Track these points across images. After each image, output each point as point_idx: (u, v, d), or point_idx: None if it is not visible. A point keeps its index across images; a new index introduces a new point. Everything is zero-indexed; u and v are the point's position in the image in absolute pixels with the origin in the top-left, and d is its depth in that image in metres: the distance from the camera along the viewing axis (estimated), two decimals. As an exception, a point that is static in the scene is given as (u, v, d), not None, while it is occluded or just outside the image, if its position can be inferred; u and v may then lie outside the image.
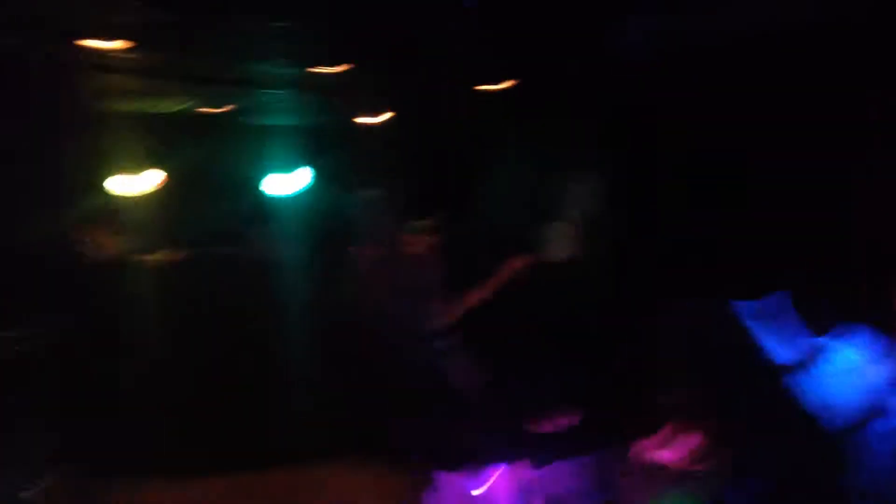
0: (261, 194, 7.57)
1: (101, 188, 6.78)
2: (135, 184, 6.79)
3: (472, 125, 7.73)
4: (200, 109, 6.90)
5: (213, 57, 5.49)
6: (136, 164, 6.78)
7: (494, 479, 2.70)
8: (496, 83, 6.52)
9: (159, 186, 7.15)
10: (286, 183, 7.52)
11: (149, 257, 6.51)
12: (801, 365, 5.16)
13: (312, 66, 5.67)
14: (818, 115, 5.93)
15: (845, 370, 4.84)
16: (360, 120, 7.26)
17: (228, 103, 6.80)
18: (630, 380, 6.68)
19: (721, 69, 6.23)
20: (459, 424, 5.76)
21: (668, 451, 6.19)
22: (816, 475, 4.57)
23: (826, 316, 5.25)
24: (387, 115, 7.25)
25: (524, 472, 2.78)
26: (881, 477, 3.96)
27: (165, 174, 7.19)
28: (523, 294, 6.77)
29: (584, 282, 7.19)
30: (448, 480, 2.70)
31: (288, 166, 7.49)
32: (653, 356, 6.89)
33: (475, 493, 2.06)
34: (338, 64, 5.67)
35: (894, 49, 5.32)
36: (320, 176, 7.63)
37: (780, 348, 5.40)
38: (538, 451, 4.91)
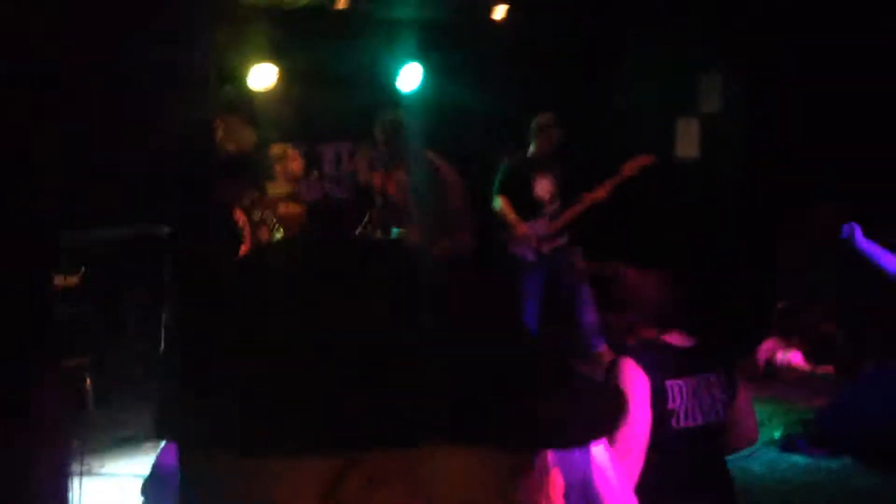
0: (388, 88, 7.63)
1: (236, 79, 6.96)
2: (266, 76, 6.91)
3: (604, 16, 7.57)
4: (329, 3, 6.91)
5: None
6: (268, 57, 6.89)
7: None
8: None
9: (288, 79, 7.30)
10: (411, 77, 7.53)
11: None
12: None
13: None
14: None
15: None
16: (483, 13, 7.16)
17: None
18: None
19: None
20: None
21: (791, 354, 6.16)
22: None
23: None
24: (509, 7, 7.11)
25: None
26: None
27: (291, 66, 7.34)
28: (647, 192, 6.67)
29: (711, 181, 7.05)
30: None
31: (411, 60, 7.50)
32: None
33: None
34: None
35: None
36: (443, 70, 7.64)
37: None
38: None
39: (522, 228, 6.65)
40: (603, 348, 6.87)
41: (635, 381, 2.70)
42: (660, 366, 2.75)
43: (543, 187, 6.76)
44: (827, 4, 6.19)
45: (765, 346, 6.24)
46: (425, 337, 0.56)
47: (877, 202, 6.15)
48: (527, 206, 6.73)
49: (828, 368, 6.05)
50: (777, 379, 6.10)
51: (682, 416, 2.72)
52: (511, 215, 6.70)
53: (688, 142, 7.31)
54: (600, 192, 6.59)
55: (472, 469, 0.56)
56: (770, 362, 6.19)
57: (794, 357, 6.15)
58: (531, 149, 6.81)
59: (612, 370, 2.79)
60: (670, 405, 2.71)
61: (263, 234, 6.04)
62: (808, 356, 6.15)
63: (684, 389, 2.74)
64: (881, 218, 6.16)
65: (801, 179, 6.46)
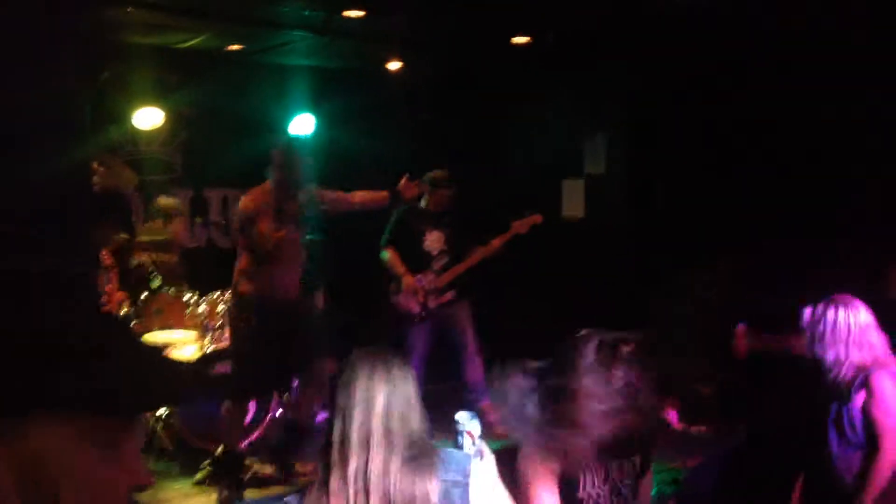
0: (280, 134, 7.57)
1: (120, 120, 6.81)
2: (152, 117, 6.78)
3: (495, 78, 7.71)
4: (221, 46, 6.84)
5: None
6: (154, 98, 6.77)
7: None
8: (526, 36, 6.45)
9: (174, 121, 7.19)
10: (301, 124, 7.50)
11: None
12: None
13: (332, 10, 5.63)
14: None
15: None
16: (377, 66, 7.19)
17: (247, 41, 6.75)
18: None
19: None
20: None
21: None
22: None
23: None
24: (402, 64, 7.17)
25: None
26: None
27: (180, 109, 7.23)
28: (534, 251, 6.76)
29: (595, 242, 7.20)
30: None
31: (305, 108, 7.48)
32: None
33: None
34: (356, 9, 5.61)
35: None
36: (337, 119, 7.64)
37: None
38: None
39: (409, 280, 6.64)
40: (487, 403, 6.88)
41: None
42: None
43: (433, 241, 6.78)
44: (704, 72, 6.44)
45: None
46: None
47: (758, 262, 6.39)
48: (415, 258, 6.73)
49: (702, 428, 6.17)
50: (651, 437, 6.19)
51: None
52: (399, 267, 6.70)
53: (573, 202, 7.46)
54: (489, 248, 6.64)
55: (74, 436, 0.79)
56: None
57: (669, 416, 6.26)
58: (422, 202, 6.84)
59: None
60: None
61: (138, 280, 5.88)
62: (682, 415, 6.26)
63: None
64: (762, 278, 6.41)
65: (681, 240, 6.65)
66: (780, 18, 5.71)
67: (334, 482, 2.19)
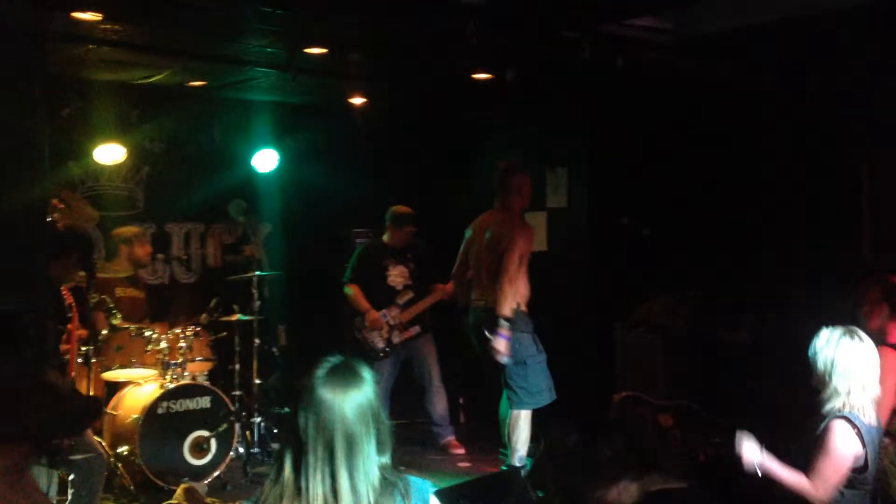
0: (243, 169, 7.57)
1: (80, 156, 6.78)
2: (114, 153, 6.75)
3: (457, 114, 7.78)
4: (184, 82, 6.84)
5: (194, 31, 5.47)
6: (116, 134, 6.75)
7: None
8: (487, 73, 6.54)
9: (136, 156, 7.17)
10: (264, 159, 7.50)
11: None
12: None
13: (296, 47, 5.66)
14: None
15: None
16: (340, 102, 7.23)
17: (210, 77, 6.76)
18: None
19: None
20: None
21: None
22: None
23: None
24: (365, 100, 7.21)
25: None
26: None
27: (143, 144, 7.22)
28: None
29: (558, 275, 7.25)
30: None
31: (268, 143, 7.49)
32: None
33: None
34: (318, 46, 5.66)
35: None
36: (300, 155, 7.65)
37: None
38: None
39: (373, 316, 6.64)
40: (452, 438, 6.88)
41: None
42: None
43: (396, 276, 6.80)
44: (663, 104, 6.55)
45: (605, 437, 6.37)
46: None
47: (716, 294, 6.47)
48: (379, 294, 6.74)
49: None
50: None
51: None
52: (362, 303, 6.70)
53: (536, 236, 7.50)
54: (453, 285, 6.66)
55: None
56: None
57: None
58: (385, 237, 6.86)
59: None
60: None
61: (99, 318, 5.82)
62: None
63: None
64: (719, 310, 6.49)
65: (640, 272, 6.72)
66: (738, 53, 5.84)
67: (292, 482, 2.16)
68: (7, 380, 3.14)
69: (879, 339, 4.12)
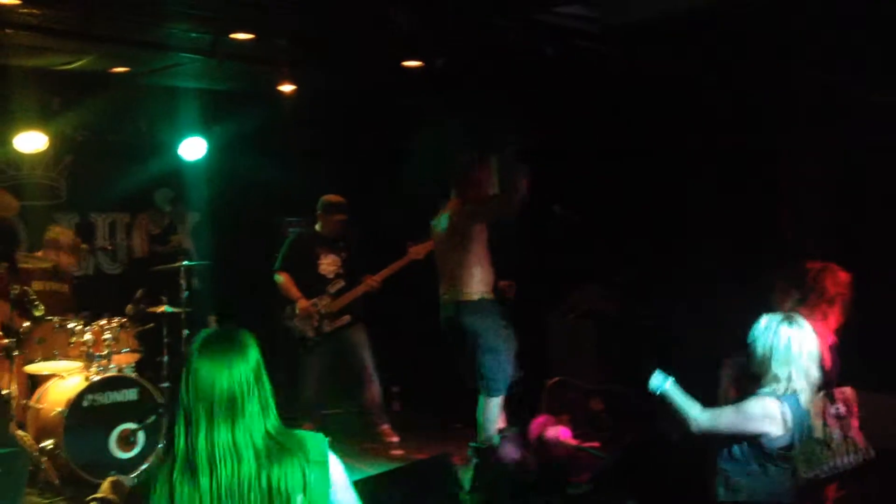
0: (170, 157, 7.45)
1: (1, 144, 6.60)
2: (35, 141, 6.58)
3: (388, 102, 7.74)
4: (107, 68, 6.70)
5: (119, 16, 5.35)
6: (37, 121, 6.58)
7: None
8: (417, 60, 6.52)
9: (59, 145, 7.00)
10: (191, 147, 7.39)
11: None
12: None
13: (220, 33, 5.58)
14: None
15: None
16: (268, 89, 7.13)
17: (134, 63, 6.63)
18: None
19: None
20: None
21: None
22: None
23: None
24: (293, 87, 7.12)
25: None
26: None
27: (65, 132, 7.04)
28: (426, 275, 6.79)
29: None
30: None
31: (195, 131, 7.38)
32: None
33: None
34: (245, 31, 5.58)
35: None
36: (228, 142, 7.56)
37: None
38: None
39: (304, 304, 6.59)
40: (386, 426, 6.87)
41: None
42: None
43: (327, 265, 6.75)
44: (596, 90, 6.62)
45: (535, 421, 6.43)
46: None
47: (646, 280, 6.57)
48: (310, 282, 6.69)
49: (594, 444, 6.30)
50: (547, 454, 6.29)
51: None
52: (293, 291, 6.65)
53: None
54: (384, 273, 6.66)
55: None
56: (540, 437, 6.38)
57: (562, 433, 6.37)
58: (317, 226, 6.81)
59: None
60: None
61: (20, 308, 5.68)
62: (576, 432, 6.39)
63: None
64: (647, 296, 6.60)
65: (570, 260, 6.80)
66: (664, 42, 5.92)
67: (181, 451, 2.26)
68: None
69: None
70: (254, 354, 2.33)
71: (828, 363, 4.05)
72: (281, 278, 6.69)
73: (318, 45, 6.30)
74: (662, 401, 3.75)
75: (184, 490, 2.23)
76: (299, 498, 2.25)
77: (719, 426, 3.63)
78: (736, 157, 6.19)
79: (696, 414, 3.65)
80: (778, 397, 3.58)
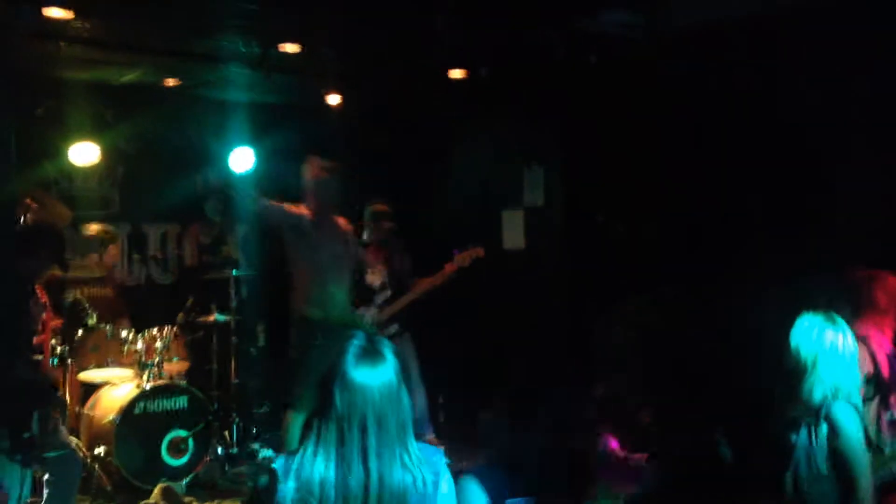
0: (218, 169, 7.53)
1: (56, 155, 6.73)
2: (88, 153, 6.70)
3: (433, 112, 7.77)
4: (158, 81, 6.82)
5: (170, 28, 5.46)
6: (90, 133, 6.70)
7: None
8: (462, 70, 6.54)
9: (111, 156, 7.11)
10: (240, 159, 7.47)
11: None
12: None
13: (270, 45, 5.66)
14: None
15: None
16: (315, 101, 7.20)
17: (184, 76, 6.74)
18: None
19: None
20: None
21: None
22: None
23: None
24: (340, 98, 7.18)
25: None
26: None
27: (117, 144, 7.16)
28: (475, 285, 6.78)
29: (535, 272, 7.26)
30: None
31: (244, 142, 7.46)
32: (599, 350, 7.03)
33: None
34: (292, 43, 5.65)
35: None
36: (273, 154, 7.63)
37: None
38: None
39: None
40: (432, 437, 6.87)
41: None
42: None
43: (374, 275, 6.78)
44: (640, 101, 6.57)
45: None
46: None
47: (693, 291, 6.49)
48: (357, 292, 6.72)
49: (642, 456, 6.23)
50: (596, 464, 6.25)
51: None
52: None
53: (513, 234, 7.53)
54: (431, 282, 6.66)
55: None
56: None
57: (610, 444, 6.31)
58: (364, 235, 6.84)
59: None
60: None
61: (73, 316, 5.78)
62: (623, 444, 6.32)
63: None
64: (695, 306, 6.52)
65: (618, 270, 6.74)
66: (718, 47, 5.87)
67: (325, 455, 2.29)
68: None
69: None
70: (395, 367, 2.38)
71: (885, 370, 3.98)
72: None
73: (363, 56, 6.35)
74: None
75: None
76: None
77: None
78: (788, 165, 6.10)
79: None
80: (846, 401, 3.49)
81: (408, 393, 2.38)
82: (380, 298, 6.73)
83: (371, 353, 2.36)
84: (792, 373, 3.59)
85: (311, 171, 5.86)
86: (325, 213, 5.82)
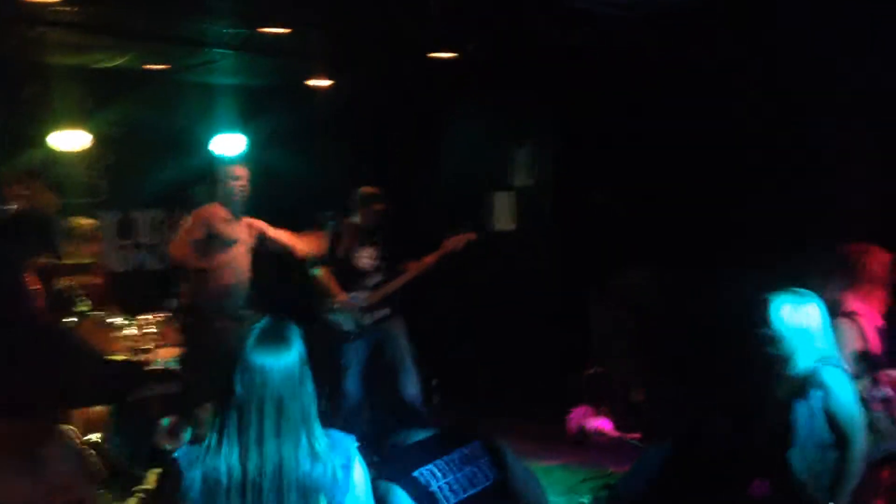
0: (207, 154, 7.50)
1: (39, 142, 6.67)
2: (74, 139, 6.65)
3: (421, 93, 7.74)
4: (142, 66, 6.76)
5: (154, 12, 5.41)
6: (76, 119, 6.65)
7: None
8: (450, 51, 6.50)
9: (97, 142, 7.05)
10: (230, 143, 7.44)
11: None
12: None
13: (253, 27, 5.61)
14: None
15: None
16: (303, 83, 7.15)
17: (169, 60, 6.69)
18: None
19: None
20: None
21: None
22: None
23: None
24: (327, 80, 7.13)
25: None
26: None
27: (104, 130, 7.10)
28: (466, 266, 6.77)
29: (527, 252, 7.26)
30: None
31: (231, 127, 7.42)
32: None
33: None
34: (277, 26, 5.60)
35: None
36: (263, 138, 7.59)
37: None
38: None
39: (343, 297, 6.62)
40: (424, 418, 6.87)
41: None
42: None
43: (365, 257, 6.76)
44: (628, 79, 6.56)
45: (575, 412, 6.41)
46: None
47: (684, 269, 6.50)
48: (348, 275, 6.72)
49: (636, 435, 6.26)
50: (587, 444, 6.27)
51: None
52: (332, 285, 6.67)
53: (504, 215, 7.52)
54: (423, 264, 6.65)
55: None
56: (581, 428, 6.35)
57: (603, 424, 6.34)
58: (356, 218, 6.81)
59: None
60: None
61: (64, 303, 5.74)
62: (616, 423, 6.35)
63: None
64: (688, 285, 6.53)
65: (609, 248, 6.74)
66: (709, 24, 5.85)
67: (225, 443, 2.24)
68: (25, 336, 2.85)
69: (836, 310, 4.18)
70: (299, 352, 2.33)
71: (875, 346, 3.99)
72: (319, 272, 6.72)
73: (350, 37, 6.31)
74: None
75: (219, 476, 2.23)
76: (322, 498, 2.27)
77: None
78: (779, 142, 6.10)
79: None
80: (832, 364, 3.56)
81: (312, 379, 2.33)
82: (371, 282, 6.72)
83: (273, 337, 2.31)
84: (775, 356, 3.67)
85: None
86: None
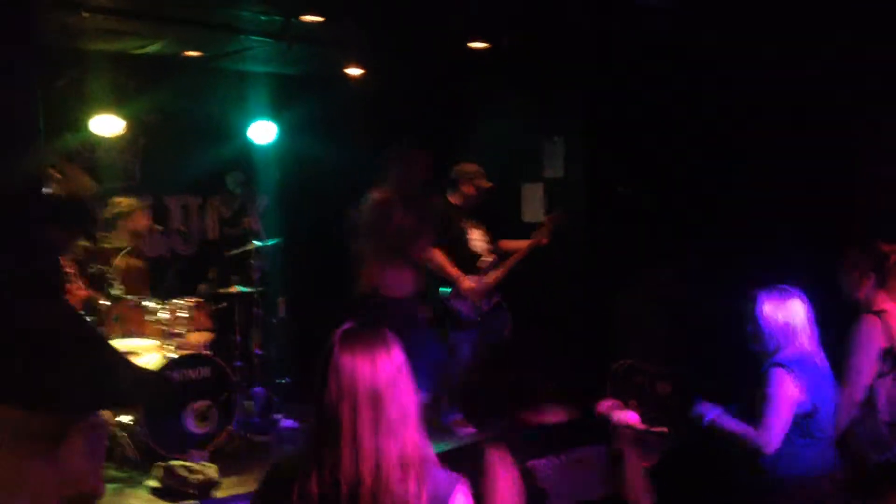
0: (240, 141, 7.57)
1: (76, 127, 6.75)
2: (110, 124, 6.73)
3: (453, 83, 7.74)
4: (179, 52, 6.82)
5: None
6: (112, 105, 6.72)
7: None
8: (483, 41, 6.49)
9: (133, 128, 7.13)
10: (262, 131, 7.50)
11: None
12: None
13: (289, 15, 5.63)
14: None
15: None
16: (335, 72, 7.17)
17: (205, 47, 6.74)
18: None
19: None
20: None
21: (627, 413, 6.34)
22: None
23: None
24: (361, 69, 7.13)
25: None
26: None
27: (140, 116, 7.17)
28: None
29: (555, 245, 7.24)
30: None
31: (265, 114, 7.48)
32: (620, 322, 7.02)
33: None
34: (314, 14, 5.62)
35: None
36: (297, 126, 7.62)
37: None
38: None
39: (468, 283, 6.23)
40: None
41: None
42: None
43: (477, 240, 6.42)
44: (659, 72, 6.52)
45: (602, 405, 6.39)
46: None
47: (712, 264, 6.47)
48: (463, 259, 6.27)
49: (663, 429, 6.22)
50: (614, 438, 6.25)
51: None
52: (450, 269, 6.19)
53: (534, 206, 7.51)
54: (531, 244, 6.41)
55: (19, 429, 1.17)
56: (608, 421, 6.33)
57: (630, 417, 6.31)
58: (454, 198, 6.39)
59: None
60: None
61: (98, 287, 5.83)
62: (643, 416, 6.32)
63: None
64: (716, 279, 6.49)
65: (638, 242, 6.72)
66: (742, 19, 5.80)
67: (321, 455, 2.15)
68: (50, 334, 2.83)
69: (865, 307, 4.16)
70: (392, 355, 2.23)
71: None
72: (435, 256, 6.17)
73: (385, 26, 6.32)
74: (711, 433, 3.81)
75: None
76: None
77: (776, 430, 3.62)
78: (809, 137, 6.04)
79: (760, 435, 3.61)
80: (780, 363, 3.69)
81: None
82: (484, 265, 6.38)
83: (361, 339, 2.23)
84: (758, 352, 3.87)
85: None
86: None
